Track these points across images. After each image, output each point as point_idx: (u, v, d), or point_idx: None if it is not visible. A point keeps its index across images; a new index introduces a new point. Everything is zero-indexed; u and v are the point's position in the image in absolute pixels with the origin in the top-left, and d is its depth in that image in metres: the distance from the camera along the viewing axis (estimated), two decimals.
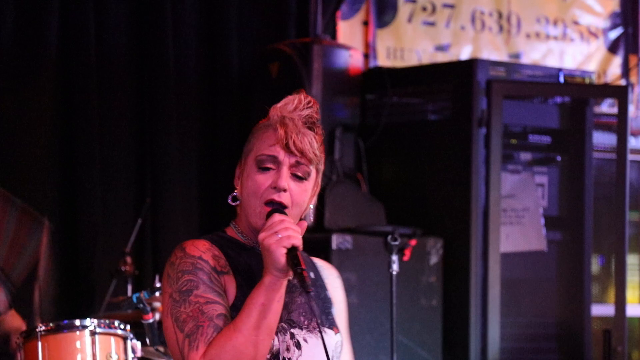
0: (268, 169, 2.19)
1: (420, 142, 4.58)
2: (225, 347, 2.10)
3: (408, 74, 4.70)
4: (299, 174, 2.20)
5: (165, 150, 4.44)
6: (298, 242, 2.11)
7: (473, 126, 4.39)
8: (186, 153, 4.54)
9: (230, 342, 2.10)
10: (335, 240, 4.19)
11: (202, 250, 2.19)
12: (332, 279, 2.38)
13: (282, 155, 2.18)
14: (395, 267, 4.02)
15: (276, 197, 2.17)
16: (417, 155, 4.59)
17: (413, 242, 4.16)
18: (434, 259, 4.36)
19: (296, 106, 2.23)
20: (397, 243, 4.08)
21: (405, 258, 4.11)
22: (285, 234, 2.09)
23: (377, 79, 4.67)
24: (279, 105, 2.24)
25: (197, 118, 4.60)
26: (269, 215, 2.14)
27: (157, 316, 3.44)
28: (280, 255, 2.08)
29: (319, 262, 2.39)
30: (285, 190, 2.17)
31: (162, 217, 4.41)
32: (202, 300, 2.13)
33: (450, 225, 4.43)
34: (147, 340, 3.39)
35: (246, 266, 2.22)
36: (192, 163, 4.56)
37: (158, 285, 3.43)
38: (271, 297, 2.11)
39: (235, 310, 2.14)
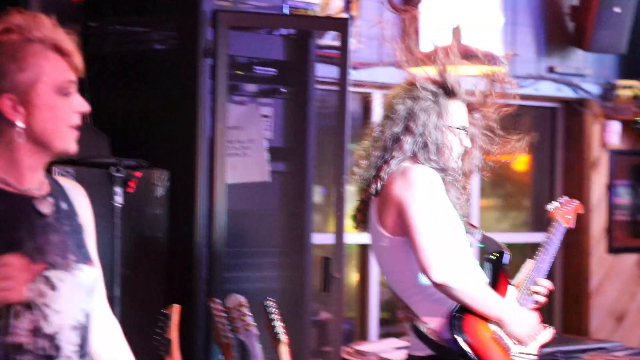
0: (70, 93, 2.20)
1: (146, 73, 4.51)
2: None
3: (133, 2, 4.60)
4: None
5: None
6: (15, 296, 2.07)
7: (199, 57, 4.37)
8: None
9: None
10: (56, 171, 4.07)
11: None
12: (80, 199, 2.36)
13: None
14: (118, 199, 3.97)
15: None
16: (143, 85, 4.52)
17: (138, 173, 4.11)
18: (159, 191, 4.33)
19: (55, 25, 2.20)
20: (120, 175, 4.02)
21: (130, 190, 4.06)
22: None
23: (99, 6, 4.55)
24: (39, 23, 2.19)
25: None
26: None
27: None
28: None
29: (66, 183, 2.35)
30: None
31: None
32: None
33: (177, 156, 4.41)
34: None
35: None
36: None
37: None
38: None
39: None
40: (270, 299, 4.36)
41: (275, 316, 4.32)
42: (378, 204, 3.60)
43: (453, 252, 3.51)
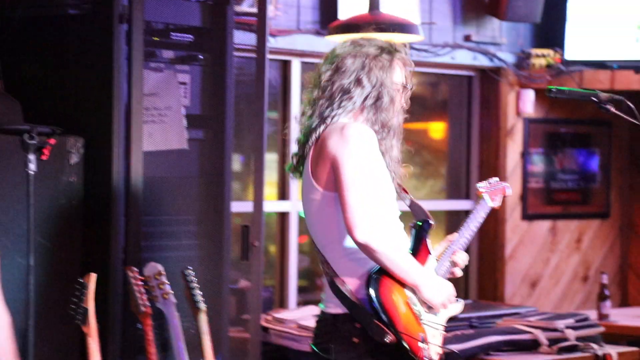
0: None
1: (60, 38, 4.43)
2: None
3: None
4: None
5: None
6: None
7: (114, 22, 4.29)
8: None
9: None
10: None
11: None
12: None
13: None
14: (32, 167, 3.90)
15: None
16: (57, 51, 4.44)
17: (52, 140, 4.04)
18: (74, 158, 4.26)
19: None
20: (34, 142, 3.95)
21: (44, 157, 3.99)
22: None
23: None
24: None
25: None
26: None
27: None
28: None
29: None
30: None
31: None
32: None
33: (92, 123, 4.34)
34: None
35: None
36: None
37: None
38: None
39: None
40: (189, 267, 4.34)
41: (194, 284, 4.30)
42: (313, 156, 3.61)
43: (380, 214, 3.52)
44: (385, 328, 3.51)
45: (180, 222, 4.54)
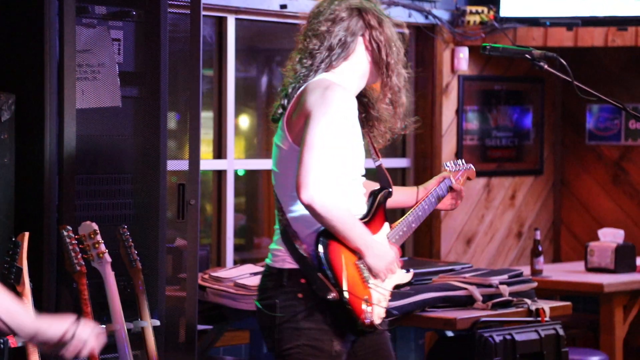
0: None
1: None
2: None
3: None
4: None
5: None
6: None
7: None
8: None
9: None
10: None
11: None
12: None
13: None
14: None
15: None
16: None
17: None
18: (5, 115, 4.19)
19: None
20: None
21: None
22: None
23: None
24: None
25: None
26: None
27: None
28: None
29: None
30: None
31: None
32: None
33: (23, 80, 4.26)
34: None
35: None
36: None
37: None
38: None
39: None
40: (124, 225, 4.30)
41: (130, 243, 4.27)
42: (293, 105, 3.62)
43: (335, 179, 3.52)
44: (329, 284, 3.53)
45: (115, 180, 4.49)
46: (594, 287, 6.11)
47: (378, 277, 3.65)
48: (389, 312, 3.80)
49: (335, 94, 3.54)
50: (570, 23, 6.90)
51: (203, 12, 4.78)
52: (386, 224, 3.77)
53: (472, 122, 7.21)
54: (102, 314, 4.18)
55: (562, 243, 7.66)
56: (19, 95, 4.23)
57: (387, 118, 3.75)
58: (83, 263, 4.07)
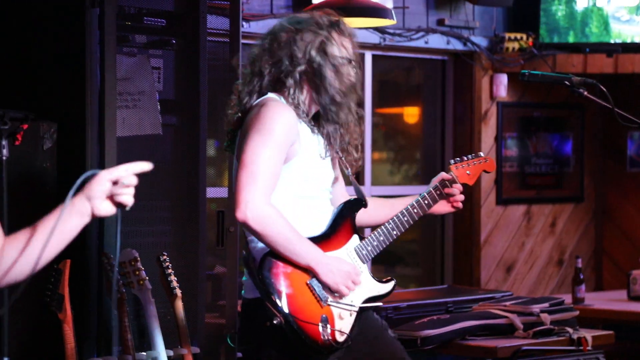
0: None
1: (32, 21, 4.38)
2: None
3: None
4: None
5: None
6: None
7: (86, 6, 4.25)
8: None
9: None
10: None
11: None
12: None
13: None
14: (5, 152, 3.86)
15: None
16: (29, 35, 4.38)
17: (25, 126, 4.00)
18: (47, 144, 4.22)
19: None
20: (7, 127, 3.92)
21: (17, 142, 3.96)
22: None
23: None
24: None
25: None
26: None
27: None
28: None
29: None
30: None
31: None
32: None
33: (65, 108, 4.29)
34: None
35: None
36: None
37: None
38: None
39: None
40: (164, 253, 4.31)
41: (170, 270, 4.28)
42: (241, 130, 3.58)
43: (268, 194, 3.42)
44: (274, 309, 3.43)
45: (156, 208, 4.51)
46: (637, 316, 6.04)
47: (337, 292, 3.53)
48: (346, 336, 3.59)
49: (270, 110, 3.48)
50: (611, 50, 6.86)
51: (242, 40, 4.81)
52: (355, 236, 3.65)
53: (512, 149, 7.18)
54: (142, 341, 4.18)
55: (604, 271, 7.59)
56: (61, 124, 4.26)
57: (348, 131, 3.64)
58: (124, 290, 4.08)
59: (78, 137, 4.24)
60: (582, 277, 6.23)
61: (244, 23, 5.60)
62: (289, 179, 3.52)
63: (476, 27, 6.91)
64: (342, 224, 3.64)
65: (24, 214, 4.14)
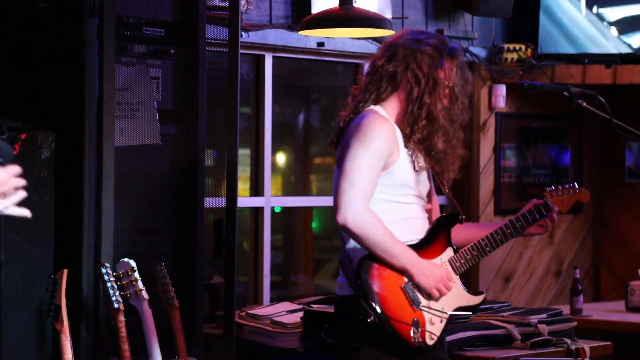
0: None
1: (30, 32, 4.38)
2: None
3: None
4: None
5: None
6: None
7: (85, 16, 4.25)
8: None
9: None
10: None
11: None
12: None
13: None
14: (2, 162, 3.86)
15: None
16: (27, 45, 4.38)
17: (23, 135, 4.00)
18: (45, 153, 4.22)
19: None
20: (4, 136, 3.92)
21: (15, 152, 3.95)
22: None
23: None
24: None
25: None
26: None
27: None
28: None
29: None
30: None
31: None
32: None
33: (63, 118, 4.29)
34: None
35: None
36: None
37: None
38: None
39: None
40: (162, 263, 4.31)
41: (167, 281, 4.27)
42: (342, 140, 3.79)
43: (367, 199, 3.64)
44: (368, 308, 3.63)
45: (153, 217, 4.51)
46: (635, 327, 6.03)
47: (430, 295, 3.73)
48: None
49: (371, 121, 3.71)
50: (609, 61, 6.87)
51: (241, 50, 4.81)
52: (449, 249, 3.85)
53: (510, 159, 7.17)
54: (139, 352, 4.18)
55: (602, 282, 7.58)
56: (59, 133, 4.25)
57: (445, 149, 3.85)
58: (121, 300, 4.08)
59: (76, 147, 4.24)
60: (580, 287, 6.22)
61: (242, 33, 5.60)
62: (385, 185, 3.73)
63: (475, 38, 6.91)
64: (439, 235, 3.86)
65: (22, 224, 4.14)
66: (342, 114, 3.88)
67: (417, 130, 3.77)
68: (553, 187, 4.05)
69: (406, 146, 3.79)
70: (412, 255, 3.73)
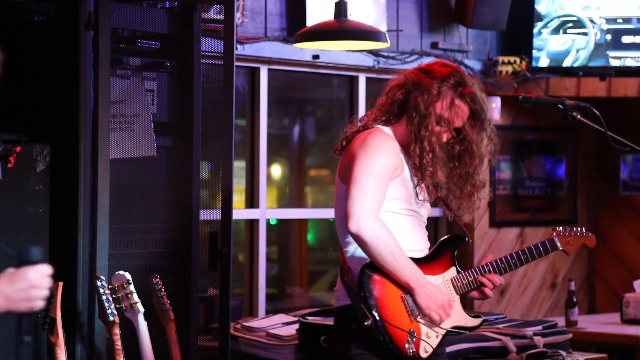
0: None
1: (25, 45, 4.38)
2: None
3: None
4: None
5: None
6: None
7: (80, 29, 4.26)
8: None
9: None
10: None
11: None
12: None
13: None
14: None
15: None
16: (22, 58, 4.38)
17: (18, 148, 4.00)
18: (40, 166, 4.22)
19: None
20: (0, 149, 3.92)
21: (10, 165, 3.95)
22: None
23: None
24: None
25: None
26: None
27: None
28: None
29: None
30: None
31: None
32: None
33: (58, 131, 4.29)
34: None
35: None
36: None
37: None
38: None
39: None
40: (157, 275, 4.30)
41: (162, 293, 4.27)
42: (345, 153, 3.85)
43: (378, 208, 3.67)
44: (367, 312, 3.67)
45: (148, 230, 4.50)
46: (630, 339, 6.04)
47: (428, 317, 3.74)
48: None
49: (373, 137, 3.77)
50: (604, 73, 6.88)
51: (236, 63, 4.82)
52: (453, 268, 3.88)
53: (505, 171, 7.19)
54: None
55: (597, 294, 7.59)
56: (54, 146, 4.26)
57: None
58: (116, 313, 4.07)
59: (71, 160, 4.24)
60: (575, 300, 6.23)
61: (238, 46, 5.62)
62: (390, 196, 3.76)
63: (470, 51, 6.93)
64: (444, 253, 3.89)
65: (17, 237, 4.14)
66: (351, 126, 3.94)
67: (422, 162, 3.81)
68: (561, 228, 4.11)
69: (415, 176, 3.83)
70: (418, 273, 3.74)
